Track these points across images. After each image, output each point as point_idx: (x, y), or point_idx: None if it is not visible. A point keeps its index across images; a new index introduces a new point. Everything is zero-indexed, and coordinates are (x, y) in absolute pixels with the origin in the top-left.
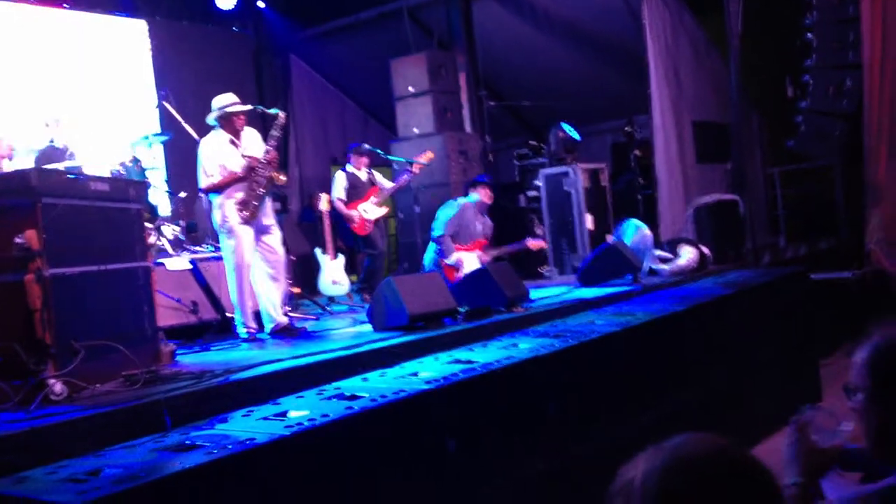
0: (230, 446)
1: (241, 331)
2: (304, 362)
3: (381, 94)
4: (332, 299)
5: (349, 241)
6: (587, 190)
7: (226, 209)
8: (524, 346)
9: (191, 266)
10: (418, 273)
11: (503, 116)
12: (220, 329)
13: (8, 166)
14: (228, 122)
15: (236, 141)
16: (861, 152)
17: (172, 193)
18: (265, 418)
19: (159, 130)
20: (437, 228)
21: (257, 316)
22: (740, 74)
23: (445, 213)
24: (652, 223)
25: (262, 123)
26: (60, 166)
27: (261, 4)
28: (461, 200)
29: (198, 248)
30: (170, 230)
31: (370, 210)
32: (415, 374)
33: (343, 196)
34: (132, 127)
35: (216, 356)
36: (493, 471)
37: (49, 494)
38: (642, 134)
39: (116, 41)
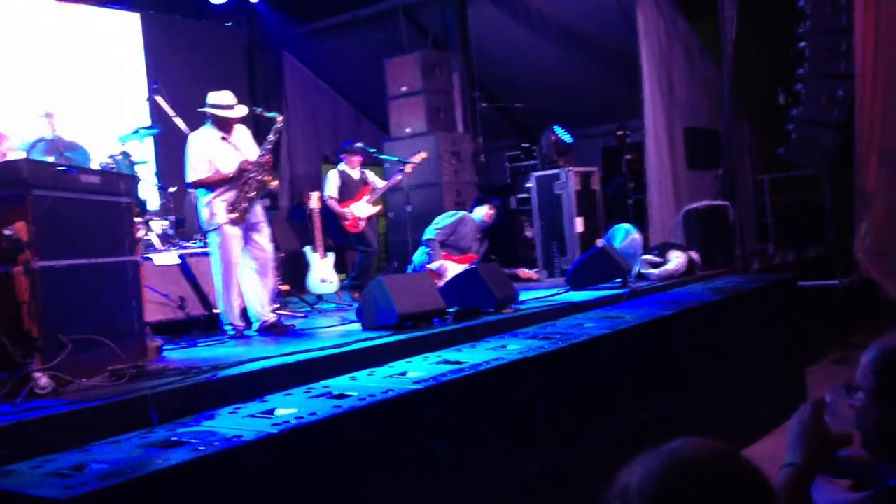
0: (217, 443)
1: (228, 328)
2: (292, 360)
3: (374, 93)
4: (320, 297)
5: (339, 239)
6: (578, 193)
7: (214, 207)
8: (513, 348)
9: (179, 261)
10: (408, 273)
11: (496, 118)
12: (208, 325)
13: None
14: (219, 119)
15: (227, 138)
16: (850, 161)
17: (162, 188)
18: (252, 416)
19: (150, 124)
20: (430, 232)
21: (245, 313)
22: (733, 81)
23: (443, 220)
24: (642, 227)
25: (255, 121)
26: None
27: (254, 0)
28: (463, 212)
29: (186, 244)
30: (159, 225)
31: (363, 209)
32: (403, 374)
33: (336, 194)
34: (122, 120)
35: (203, 352)
36: (482, 472)
37: (34, 489)
38: (634, 138)
39: (108, 34)
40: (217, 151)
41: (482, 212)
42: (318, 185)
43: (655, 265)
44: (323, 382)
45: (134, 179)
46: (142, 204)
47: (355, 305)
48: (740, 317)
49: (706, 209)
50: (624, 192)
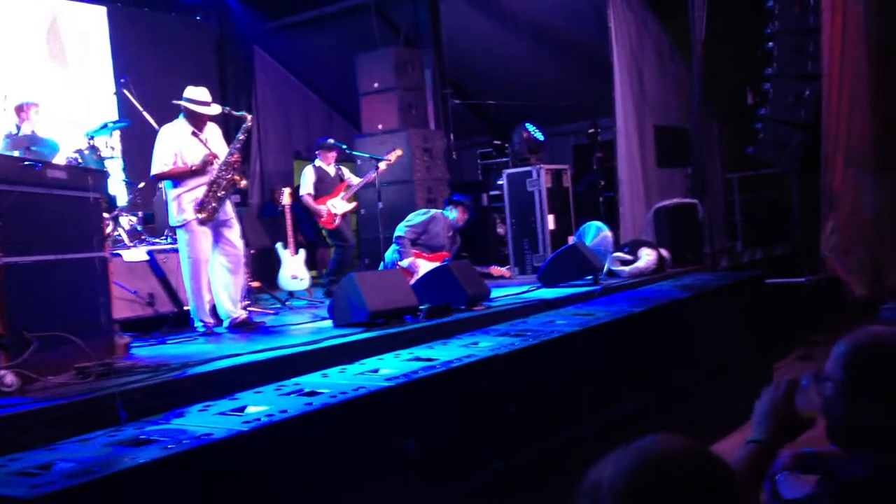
0: (186, 441)
1: (198, 325)
2: (262, 357)
3: (345, 89)
4: (291, 294)
5: (310, 235)
6: (550, 190)
7: (182, 203)
8: (485, 345)
9: (148, 258)
10: (380, 270)
11: (468, 115)
12: (177, 322)
13: None
14: (193, 114)
15: (198, 134)
16: (817, 161)
17: (130, 183)
18: (222, 413)
19: (117, 118)
20: (400, 229)
21: (215, 310)
22: (702, 80)
23: (414, 217)
24: (613, 225)
25: (224, 120)
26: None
27: None
28: (434, 211)
29: (156, 240)
30: (127, 221)
31: (338, 205)
32: (375, 371)
33: (311, 191)
34: (90, 114)
35: (173, 350)
36: (453, 469)
37: (0, 488)
38: (605, 136)
39: (75, 27)
40: (185, 145)
41: (455, 213)
42: (290, 181)
43: (626, 262)
44: (294, 380)
45: (102, 174)
46: (111, 199)
47: (327, 302)
48: (709, 314)
49: (676, 207)
50: (595, 189)
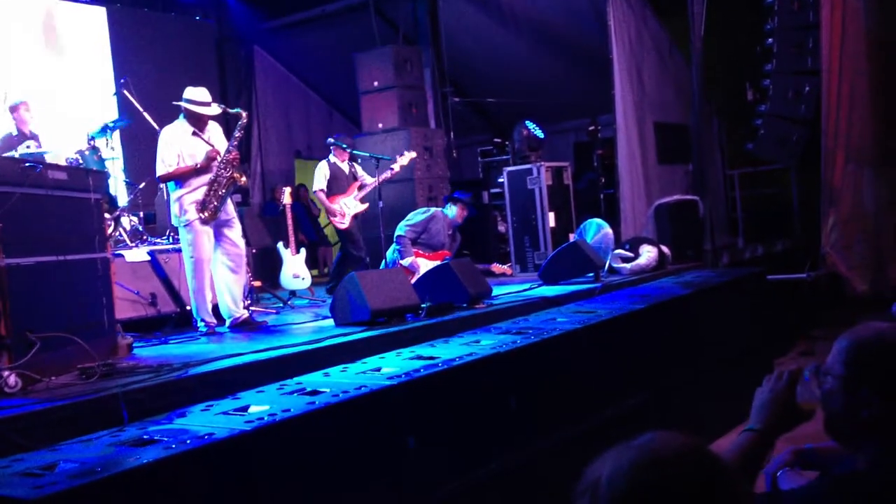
0: (189, 441)
1: (200, 324)
2: (264, 357)
3: (345, 88)
4: (293, 293)
5: (311, 235)
6: (550, 188)
7: (184, 203)
8: (486, 343)
9: (149, 258)
10: (381, 269)
11: (468, 113)
12: (179, 322)
13: None
14: (194, 115)
15: (199, 133)
16: (818, 157)
17: (131, 184)
18: (225, 413)
19: (117, 118)
20: (401, 228)
21: (217, 309)
22: (702, 77)
23: (414, 216)
24: (613, 222)
25: (224, 118)
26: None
27: None
28: (434, 209)
29: (157, 240)
30: (128, 221)
31: (351, 205)
32: (377, 370)
33: (324, 187)
34: (90, 115)
35: (175, 349)
36: (455, 466)
37: (4, 489)
38: (605, 134)
39: (74, 28)
40: (188, 146)
41: (454, 210)
42: (290, 180)
43: (627, 259)
44: (296, 379)
45: (103, 175)
46: (112, 200)
47: (328, 301)
48: (710, 310)
49: (677, 204)
50: (595, 187)
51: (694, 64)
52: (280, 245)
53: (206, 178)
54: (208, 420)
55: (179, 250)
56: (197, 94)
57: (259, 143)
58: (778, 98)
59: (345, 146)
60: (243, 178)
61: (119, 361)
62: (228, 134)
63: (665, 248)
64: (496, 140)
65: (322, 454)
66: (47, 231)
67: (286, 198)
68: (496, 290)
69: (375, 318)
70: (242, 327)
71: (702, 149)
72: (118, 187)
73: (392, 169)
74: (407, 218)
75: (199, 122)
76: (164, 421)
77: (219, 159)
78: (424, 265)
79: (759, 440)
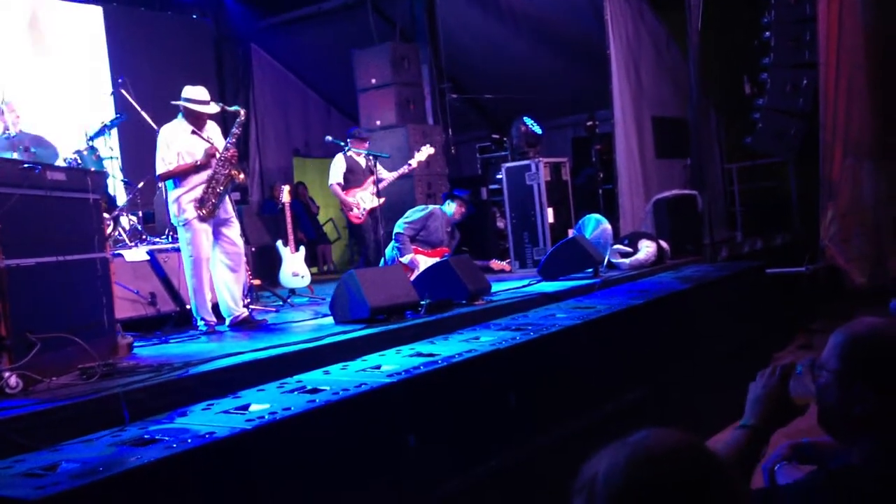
0: (190, 440)
1: (200, 323)
2: (265, 355)
3: (343, 85)
4: (292, 291)
5: (310, 233)
6: (549, 184)
7: (182, 202)
8: (486, 339)
9: (149, 257)
10: (380, 266)
11: (466, 109)
12: (179, 321)
13: None
14: (193, 114)
15: (198, 132)
16: (816, 150)
17: (129, 183)
18: (226, 412)
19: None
20: (399, 226)
21: (217, 308)
22: (699, 71)
23: (413, 214)
24: (612, 218)
25: (223, 117)
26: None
27: None
28: (433, 207)
29: (156, 239)
30: (127, 221)
31: (367, 199)
32: (377, 367)
33: (341, 180)
34: (87, 115)
35: (175, 349)
36: (455, 463)
37: (5, 489)
38: (603, 129)
39: (70, 27)
40: (187, 144)
41: (453, 207)
42: (289, 178)
43: (626, 255)
44: (296, 377)
45: (101, 175)
46: (111, 200)
47: (327, 299)
48: (709, 304)
49: (675, 198)
50: (594, 182)
51: (691, 58)
52: (279, 243)
53: (205, 175)
54: (209, 419)
55: (179, 249)
56: (195, 93)
57: (257, 142)
58: (776, 92)
59: (363, 137)
60: (241, 176)
61: (119, 361)
62: (227, 133)
63: (664, 243)
64: (494, 136)
65: (323, 452)
66: (47, 232)
67: (285, 196)
68: (495, 287)
69: (375, 316)
70: (242, 326)
71: (700, 143)
72: (117, 187)
73: (410, 164)
74: (405, 215)
75: (197, 121)
76: (165, 420)
77: (217, 156)
78: (424, 262)
79: (753, 436)
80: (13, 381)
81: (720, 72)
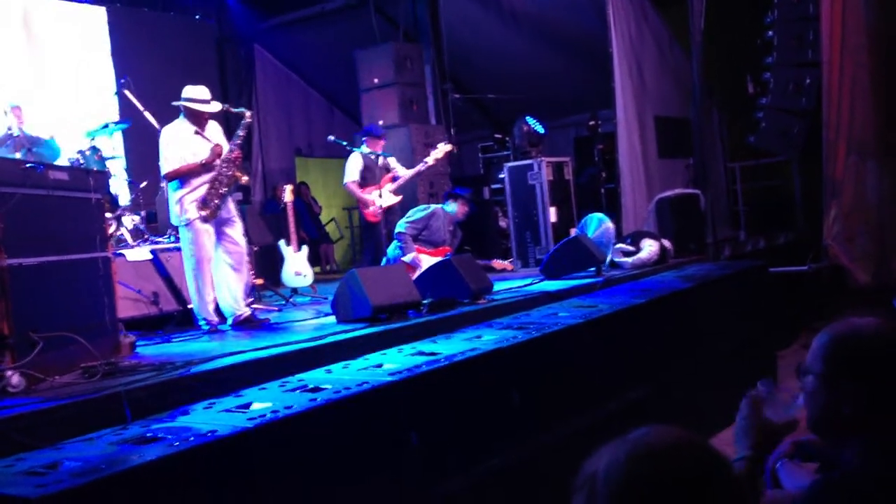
0: (192, 439)
1: (202, 323)
2: (266, 354)
3: (346, 85)
4: (295, 291)
5: (312, 232)
6: (551, 183)
7: (185, 203)
8: (488, 338)
9: (151, 257)
10: (382, 265)
11: (468, 109)
12: (181, 321)
13: None
14: (194, 113)
15: (201, 132)
16: (819, 149)
17: (133, 183)
18: (227, 410)
19: (118, 119)
20: (401, 226)
21: (219, 308)
22: (702, 70)
23: (414, 213)
24: (614, 217)
25: (225, 117)
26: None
27: None
28: (434, 206)
29: (159, 239)
30: (130, 220)
31: (385, 197)
32: (379, 366)
33: (357, 178)
34: (91, 115)
35: (177, 348)
36: (457, 461)
37: (7, 487)
38: (606, 128)
39: (74, 28)
40: (191, 145)
41: (455, 206)
42: (292, 178)
43: (628, 254)
44: (298, 376)
45: (104, 175)
46: (113, 199)
47: (330, 298)
48: (712, 304)
49: (678, 197)
50: (596, 181)
51: (694, 57)
52: (282, 243)
53: (208, 175)
54: (211, 418)
55: (181, 249)
56: (196, 93)
57: (260, 142)
58: (779, 90)
59: (379, 135)
60: (244, 178)
61: (121, 360)
62: (228, 133)
63: (666, 242)
64: (497, 136)
65: (324, 451)
66: (49, 231)
67: (287, 195)
68: (497, 286)
69: (377, 315)
70: (244, 325)
71: (703, 142)
72: (120, 186)
73: (426, 162)
74: (407, 215)
75: (199, 121)
76: (167, 419)
77: (222, 157)
78: (426, 261)
79: (751, 466)
80: (16, 379)
81: (723, 71)
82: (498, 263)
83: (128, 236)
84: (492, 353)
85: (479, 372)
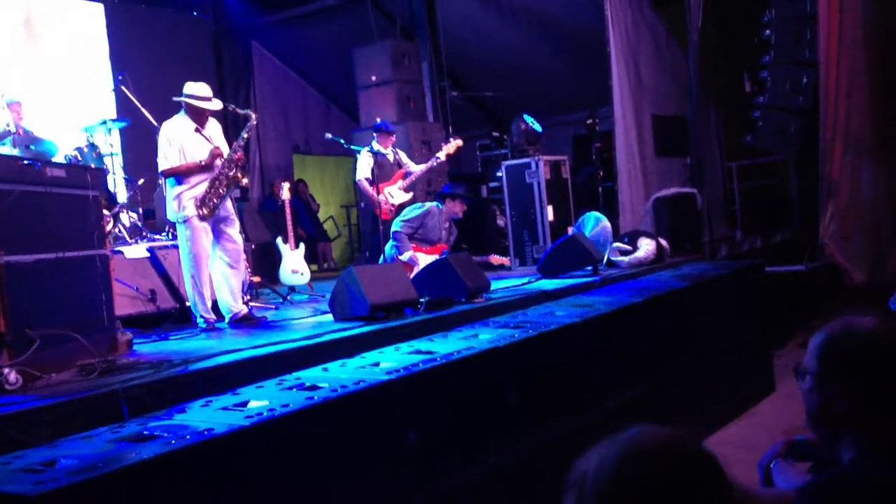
0: (189, 437)
1: (200, 320)
2: (263, 352)
3: (343, 82)
4: (292, 288)
5: (310, 230)
6: (549, 182)
7: (183, 199)
8: (485, 337)
9: (149, 254)
10: (380, 263)
11: (466, 107)
12: (179, 318)
13: None
14: (196, 110)
15: (201, 130)
16: (816, 148)
17: (130, 180)
18: (224, 408)
19: (115, 115)
20: (397, 224)
21: (216, 305)
22: (699, 69)
23: (410, 212)
24: (612, 215)
25: (224, 115)
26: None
27: None
28: (430, 204)
29: (156, 236)
30: (127, 217)
31: (395, 194)
32: (375, 365)
33: (369, 175)
34: (88, 112)
35: (174, 345)
36: (454, 460)
37: (4, 485)
38: (603, 126)
39: (71, 24)
40: (189, 142)
41: (451, 205)
42: (289, 175)
43: (625, 253)
44: (295, 374)
45: (101, 172)
46: (111, 196)
47: (327, 296)
48: (708, 303)
49: (675, 196)
50: (594, 180)
51: (691, 56)
52: (279, 240)
53: (209, 175)
54: (208, 416)
55: (178, 246)
56: (198, 90)
57: (257, 139)
58: (776, 89)
59: (389, 131)
60: (245, 179)
61: (119, 358)
62: (227, 132)
63: (663, 241)
64: (494, 134)
65: (321, 449)
66: (46, 228)
67: (285, 193)
68: (495, 284)
69: (374, 313)
70: (241, 323)
71: (700, 141)
72: (117, 183)
73: (438, 157)
74: (402, 214)
75: (200, 118)
76: (164, 417)
77: (223, 157)
78: (423, 259)
79: None
80: (12, 377)
81: (720, 69)
82: (495, 259)
83: (125, 233)
84: (489, 352)
85: (477, 371)
